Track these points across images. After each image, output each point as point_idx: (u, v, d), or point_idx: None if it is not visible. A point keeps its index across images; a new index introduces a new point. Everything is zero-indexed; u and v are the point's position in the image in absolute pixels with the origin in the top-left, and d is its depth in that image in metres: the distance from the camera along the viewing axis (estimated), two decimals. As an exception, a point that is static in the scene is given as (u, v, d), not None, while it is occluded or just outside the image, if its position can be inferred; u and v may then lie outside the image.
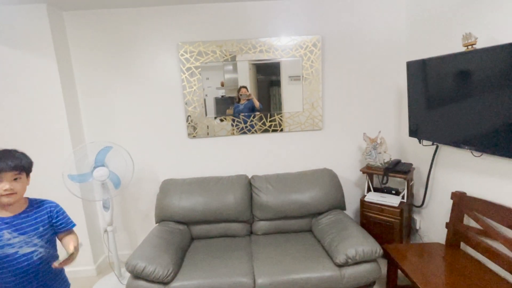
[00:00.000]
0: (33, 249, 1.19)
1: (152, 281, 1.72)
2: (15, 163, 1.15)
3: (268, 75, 2.46)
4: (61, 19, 2.27)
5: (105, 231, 2.26)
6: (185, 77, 2.41)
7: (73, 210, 2.34)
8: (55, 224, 1.28)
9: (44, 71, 2.17)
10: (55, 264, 1.13)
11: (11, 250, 1.14)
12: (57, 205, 1.31)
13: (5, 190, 1.13)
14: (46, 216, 1.26)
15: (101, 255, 2.60)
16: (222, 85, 2.45)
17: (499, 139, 1.51)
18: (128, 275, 2.28)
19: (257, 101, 2.48)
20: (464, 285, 1.52)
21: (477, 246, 1.71)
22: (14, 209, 1.20)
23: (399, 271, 1.88)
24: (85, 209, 2.40)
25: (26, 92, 2.19)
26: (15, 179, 1.16)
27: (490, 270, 1.63)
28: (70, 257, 1.16)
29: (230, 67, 2.42)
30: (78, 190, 2.22)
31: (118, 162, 2.22)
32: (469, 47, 1.60)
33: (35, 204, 1.26)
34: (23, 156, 1.21)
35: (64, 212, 1.33)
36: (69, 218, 1.35)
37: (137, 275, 1.73)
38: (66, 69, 2.28)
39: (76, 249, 1.20)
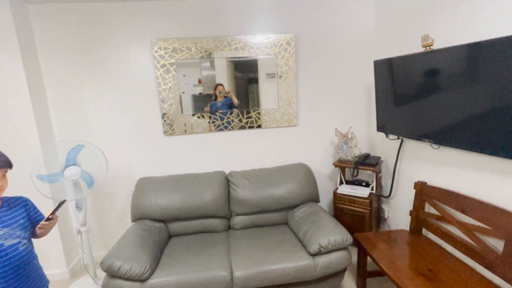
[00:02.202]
0: (17, 240, 1.22)
1: (129, 279, 1.72)
2: (6, 158, 1.20)
3: (246, 72, 2.49)
4: (25, 13, 2.16)
5: (79, 232, 2.20)
6: (160, 74, 2.39)
7: (43, 211, 2.25)
8: (33, 216, 1.33)
9: (8, 67, 2.06)
10: (43, 222, 1.24)
11: None
12: (28, 199, 1.37)
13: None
14: (23, 209, 1.30)
15: (74, 257, 2.53)
16: (200, 82, 2.45)
17: (453, 133, 1.66)
18: (104, 276, 2.24)
19: (235, 98, 2.51)
20: (424, 267, 1.66)
21: (436, 231, 1.87)
22: None
23: (369, 258, 2.01)
24: (56, 210, 2.32)
25: (-12, 89, 2.08)
26: (4, 175, 1.20)
27: (448, 252, 1.79)
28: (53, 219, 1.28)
29: (208, 64, 2.43)
30: (48, 190, 2.15)
31: (91, 161, 2.16)
32: (427, 48, 1.73)
33: (8, 200, 1.28)
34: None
35: (35, 205, 1.39)
36: (40, 211, 1.41)
37: (113, 274, 1.72)
38: (32, 65, 2.18)
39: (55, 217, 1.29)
